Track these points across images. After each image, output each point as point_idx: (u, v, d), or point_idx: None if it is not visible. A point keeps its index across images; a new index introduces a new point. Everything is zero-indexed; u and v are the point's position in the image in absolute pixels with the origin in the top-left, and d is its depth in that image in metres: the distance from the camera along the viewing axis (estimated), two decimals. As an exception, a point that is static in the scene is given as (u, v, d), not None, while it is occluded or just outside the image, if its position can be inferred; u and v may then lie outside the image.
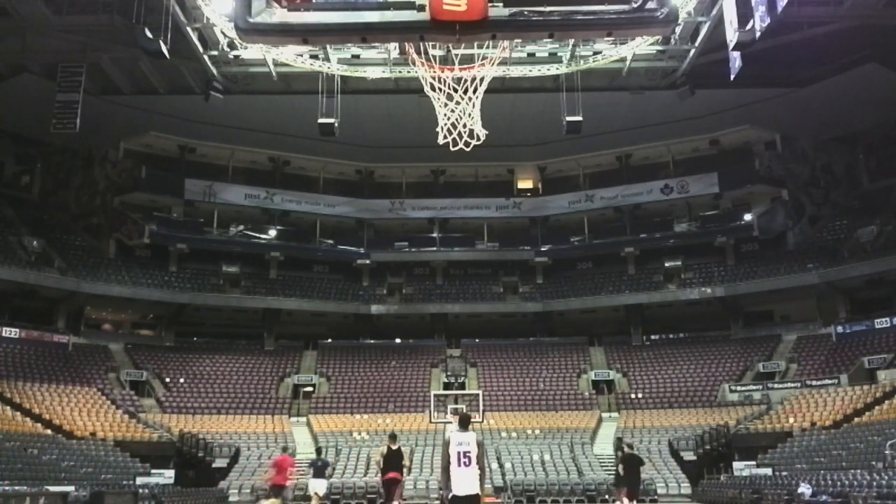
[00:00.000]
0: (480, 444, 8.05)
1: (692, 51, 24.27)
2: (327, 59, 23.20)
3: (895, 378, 27.98)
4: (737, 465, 25.82)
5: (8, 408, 26.07)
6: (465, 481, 7.81)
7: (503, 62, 19.24)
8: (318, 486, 15.49)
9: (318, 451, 18.65)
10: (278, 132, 36.86)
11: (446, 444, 7.98)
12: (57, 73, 25.49)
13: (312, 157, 40.22)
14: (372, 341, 39.24)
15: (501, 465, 26.59)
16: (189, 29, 22.62)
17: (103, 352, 33.97)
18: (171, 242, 37.66)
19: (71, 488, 19.48)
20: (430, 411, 26.11)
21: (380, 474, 13.06)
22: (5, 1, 23.27)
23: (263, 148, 39.54)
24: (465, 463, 7.83)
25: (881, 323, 31.88)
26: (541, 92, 27.31)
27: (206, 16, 22.13)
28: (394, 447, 12.78)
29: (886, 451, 21.06)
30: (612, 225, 40.61)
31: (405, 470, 13.18)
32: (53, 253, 34.39)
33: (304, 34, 8.53)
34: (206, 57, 24.25)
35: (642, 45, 23.10)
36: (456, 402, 25.29)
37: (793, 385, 30.77)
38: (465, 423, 8.31)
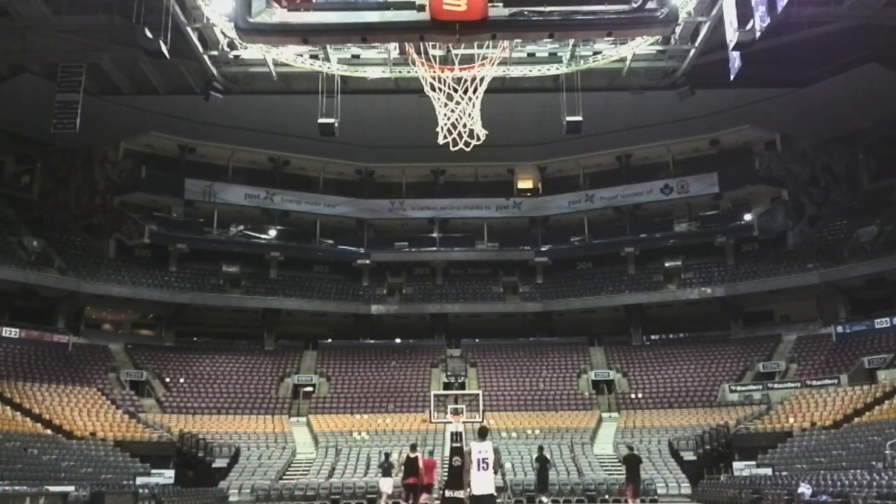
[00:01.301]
0: (497, 451, 9.72)
1: (692, 51, 24.29)
2: (327, 59, 23.21)
3: (895, 378, 27.99)
4: (737, 465, 25.79)
5: (8, 408, 26.10)
6: (483, 483, 9.32)
7: (503, 62, 19.26)
8: (386, 486, 16.46)
9: (387, 454, 19.41)
10: (278, 132, 36.84)
11: (468, 452, 9.58)
12: (57, 73, 25.51)
13: (312, 157, 40.21)
14: (372, 341, 39.24)
15: (501, 465, 26.52)
16: (189, 29, 22.63)
17: (103, 352, 33.97)
18: (171, 242, 37.66)
19: (71, 488, 19.48)
20: (430, 411, 26.10)
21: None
22: (5, 1, 23.27)
23: (263, 148, 39.53)
24: (483, 467, 9.36)
25: (881, 323, 31.90)
26: (541, 92, 27.33)
27: (206, 16, 22.14)
28: (412, 455, 13.88)
29: (886, 451, 21.05)
30: (612, 225, 40.60)
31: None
32: (53, 253, 34.40)
33: (304, 34, 8.51)
34: (206, 57, 24.27)
35: (642, 45, 23.10)
36: (456, 402, 25.22)
37: (793, 385, 30.77)
38: (483, 434, 9.91)
